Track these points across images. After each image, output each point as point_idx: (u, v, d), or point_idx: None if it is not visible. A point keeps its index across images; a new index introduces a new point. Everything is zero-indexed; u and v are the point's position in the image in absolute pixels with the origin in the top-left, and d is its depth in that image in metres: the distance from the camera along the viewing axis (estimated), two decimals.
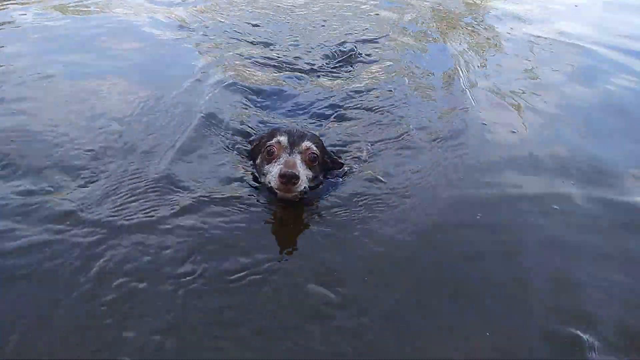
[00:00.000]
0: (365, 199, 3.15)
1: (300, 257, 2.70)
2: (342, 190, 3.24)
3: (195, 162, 3.36)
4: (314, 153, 3.09)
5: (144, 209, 2.85)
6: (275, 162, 3.04)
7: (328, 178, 3.30)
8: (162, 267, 2.49)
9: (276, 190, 2.90)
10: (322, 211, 3.05)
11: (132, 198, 2.92)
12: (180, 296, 2.34)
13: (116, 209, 2.82)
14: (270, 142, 3.10)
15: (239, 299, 2.37)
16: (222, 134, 3.72)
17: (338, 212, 3.03)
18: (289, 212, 3.04)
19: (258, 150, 3.26)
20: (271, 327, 2.27)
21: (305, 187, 2.98)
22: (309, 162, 3.07)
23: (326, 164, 3.28)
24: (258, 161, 3.23)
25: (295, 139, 3.10)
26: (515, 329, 2.38)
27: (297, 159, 3.02)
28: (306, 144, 3.09)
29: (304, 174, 2.98)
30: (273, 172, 2.93)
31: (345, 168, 3.40)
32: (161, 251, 2.58)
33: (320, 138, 3.35)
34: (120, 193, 2.95)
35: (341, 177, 3.33)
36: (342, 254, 2.71)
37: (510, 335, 2.35)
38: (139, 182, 3.06)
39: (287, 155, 3.03)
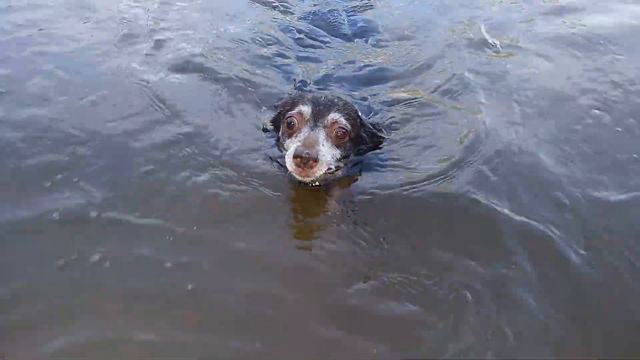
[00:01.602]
0: (404, 184, 2.60)
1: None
2: (378, 170, 2.71)
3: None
4: (342, 128, 2.53)
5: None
6: (296, 136, 2.53)
7: (364, 154, 2.77)
8: None
9: (292, 173, 2.40)
10: (350, 198, 2.55)
11: None
12: None
13: None
14: (292, 112, 2.57)
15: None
16: None
17: (371, 200, 2.52)
18: (309, 198, 2.55)
19: (281, 119, 2.75)
20: None
21: (330, 168, 2.47)
22: (336, 139, 2.53)
23: (361, 139, 2.73)
24: (280, 132, 2.73)
25: (320, 109, 2.54)
26: None
27: (320, 135, 2.48)
28: (333, 116, 2.52)
29: (328, 154, 2.45)
30: (289, 151, 2.42)
31: (386, 141, 2.84)
32: None
33: (354, 107, 2.76)
34: None
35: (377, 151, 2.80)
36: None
37: None
38: None
39: (309, 129, 2.50)
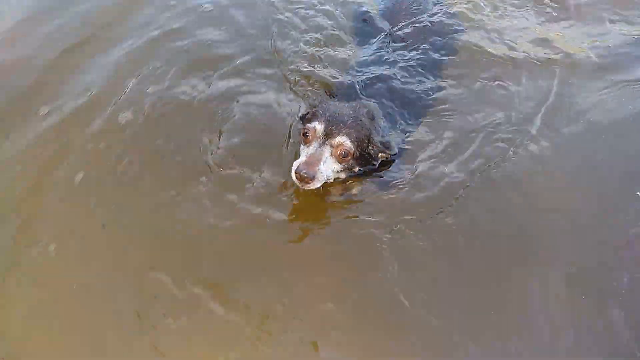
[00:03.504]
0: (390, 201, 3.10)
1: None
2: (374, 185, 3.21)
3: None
4: (345, 150, 2.95)
5: None
6: (307, 147, 2.99)
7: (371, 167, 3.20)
8: None
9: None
10: (341, 205, 3.13)
11: None
12: None
13: None
14: (309, 125, 3.03)
15: None
16: None
17: (357, 211, 3.08)
18: (308, 199, 3.11)
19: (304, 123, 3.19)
20: None
21: (328, 178, 2.98)
22: (340, 157, 2.97)
23: (368, 156, 3.13)
24: (300, 134, 3.18)
25: (332, 129, 2.96)
26: None
27: (325, 153, 2.94)
28: (340, 139, 2.94)
29: (328, 170, 2.94)
30: (295, 163, 2.90)
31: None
32: None
33: (367, 127, 3.11)
34: None
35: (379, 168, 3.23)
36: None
37: None
38: None
39: (318, 145, 2.96)
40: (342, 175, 3.12)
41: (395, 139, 3.34)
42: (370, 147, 3.11)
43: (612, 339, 2.49)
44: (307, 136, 3.01)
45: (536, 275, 2.74)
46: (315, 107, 3.22)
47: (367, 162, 3.17)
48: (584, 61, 3.98)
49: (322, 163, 2.90)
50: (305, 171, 2.81)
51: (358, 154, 3.03)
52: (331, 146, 2.95)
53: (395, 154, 3.24)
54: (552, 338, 2.51)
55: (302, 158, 2.93)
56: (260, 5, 4.58)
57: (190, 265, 2.78)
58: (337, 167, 3.00)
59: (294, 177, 2.87)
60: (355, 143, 2.99)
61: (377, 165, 3.22)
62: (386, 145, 3.20)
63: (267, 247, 2.89)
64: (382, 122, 3.38)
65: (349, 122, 3.02)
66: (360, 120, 3.10)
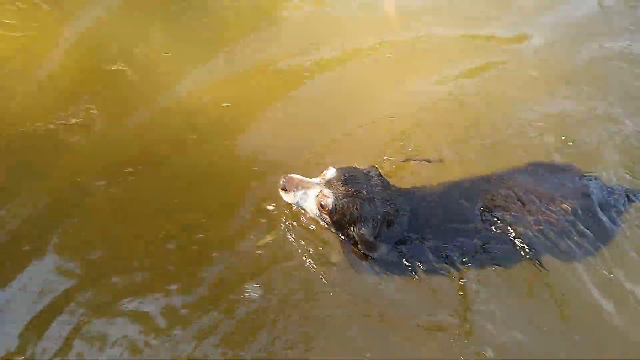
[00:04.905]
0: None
1: None
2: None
3: None
4: (323, 204, 3.03)
5: None
6: (319, 176, 3.19)
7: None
8: None
9: None
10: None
11: None
12: None
13: None
14: (333, 166, 3.16)
15: None
16: None
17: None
18: None
19: None
20: None
21: (300, 206, 3.21)
22: (317, 204, 3.08)
23: (346, 232, 3.14)
24: None
25: (336, 182, 3.04)
26: None
27: (312, 190, 3.08)
28: (327, 193, 3.01)
29: (302, 200, 3.12)
30: (297, 175, 3.20)
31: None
32: None
33: (365, 214, 2.99)
34: None
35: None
36: None
37: None
38: None
39: (317, 181, 3.11)
40: (321, 222, 3.25)
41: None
42: (351, 229, 3.07)
43: None
44: (323, 171, 3.19)
45: None
46: (371, 168, 3.27)
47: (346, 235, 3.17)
48: None
49: (301, 191, 3.09)
50: (284, 180, 3.10)
51: (335, 220, 3.08)
52: (319, 192, 3.07)
53: (373, 257, 3.16)
54: None
55: (301, 176, 3.15)
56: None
57: None
58: (314, 209, 3.13)
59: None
60: (337, 210, 3.01)
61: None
62: (367, 244, 3.07)
63: None
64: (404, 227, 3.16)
65: (352, 192, 3.00)
66: (366, 202, 3.00)
